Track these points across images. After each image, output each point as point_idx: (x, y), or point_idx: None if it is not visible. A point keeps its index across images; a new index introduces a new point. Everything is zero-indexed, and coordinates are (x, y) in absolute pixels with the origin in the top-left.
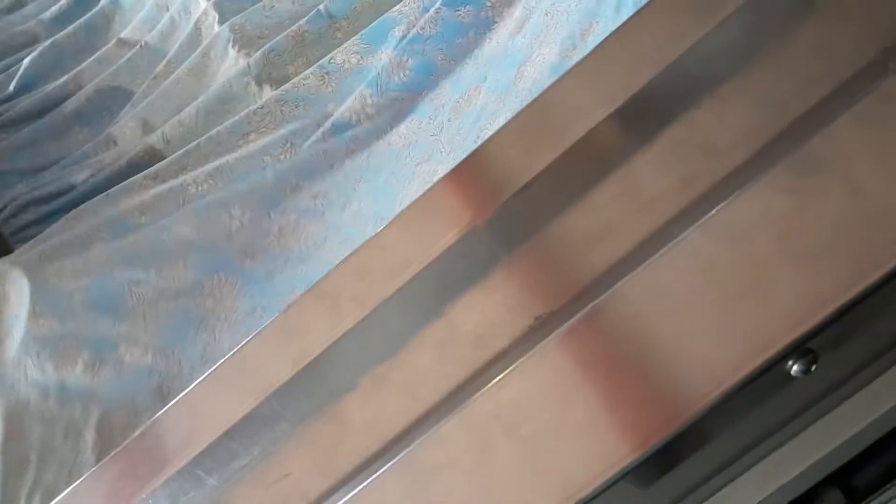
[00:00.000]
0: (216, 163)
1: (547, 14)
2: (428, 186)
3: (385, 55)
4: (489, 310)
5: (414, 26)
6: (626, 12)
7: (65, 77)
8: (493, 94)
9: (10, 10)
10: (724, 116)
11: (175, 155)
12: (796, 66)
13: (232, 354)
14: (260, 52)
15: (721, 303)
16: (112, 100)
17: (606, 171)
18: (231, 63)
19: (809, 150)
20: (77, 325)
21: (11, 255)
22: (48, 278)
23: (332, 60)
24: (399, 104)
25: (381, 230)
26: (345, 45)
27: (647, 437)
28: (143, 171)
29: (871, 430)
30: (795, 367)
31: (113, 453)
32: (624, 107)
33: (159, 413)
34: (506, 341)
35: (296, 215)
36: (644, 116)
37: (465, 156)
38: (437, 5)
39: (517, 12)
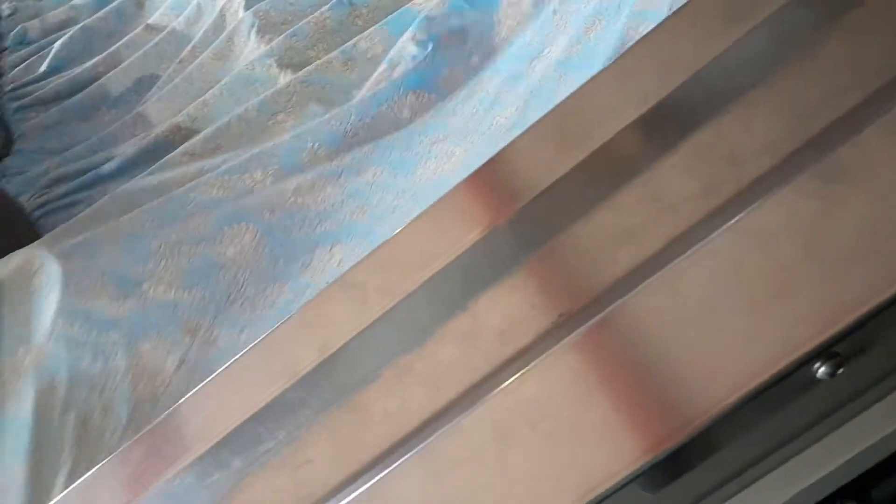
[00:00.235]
0: (256, 149)
1: (556, 13)
2: (445, 164)
3: (406, 46)
4: (513, 306)
5: (434, 18)
6: (626, 11)
7: (94, 60)
8: (507, 83)
9: None
10: (752, 124)
11: (207, 131)
12: (824, 77)
13: (259, 341)
14: (282, 36)
15: (747, 305)
16: (139, 83)
17: (633, 173)
18: (254, 47)
19: (837, 159)
20: (103, 262)
21: (43, 239)
22: (79, 262)
23: (355, 46)
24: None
25: (409, 224)
26: (367, 32)
27: (668, 437)
28: (170, 149)
29: (892, 441)
30: (822, 370)
31: (139, 434)
32: (653, 110)
33: (186, 396)
34: (529, 337)
35: (313, 176)
36: (672, 121)
37: (483, 142)
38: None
39: (530, 9)
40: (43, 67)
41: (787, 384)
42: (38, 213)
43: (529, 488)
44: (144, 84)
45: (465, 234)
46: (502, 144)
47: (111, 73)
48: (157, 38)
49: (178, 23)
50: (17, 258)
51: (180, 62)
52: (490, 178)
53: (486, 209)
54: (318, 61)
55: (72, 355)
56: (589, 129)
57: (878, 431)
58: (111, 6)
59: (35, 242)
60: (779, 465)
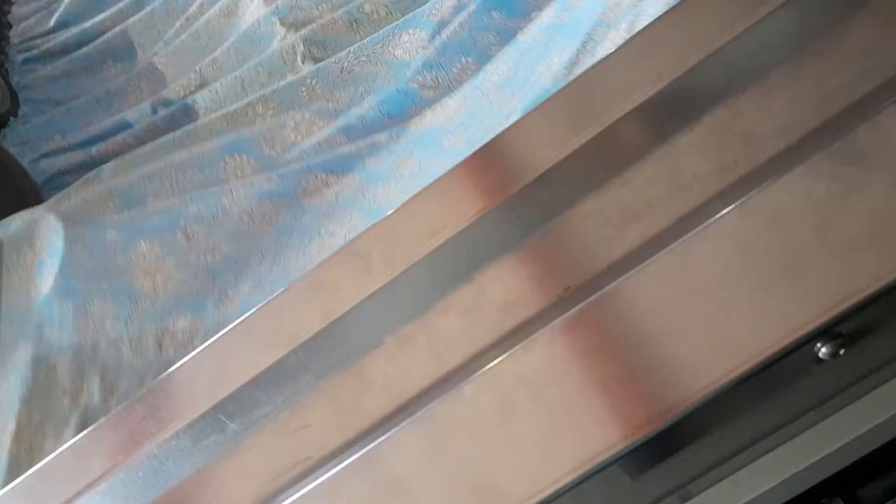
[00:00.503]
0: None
1: (566, 10)
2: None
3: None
4: (519, 279)
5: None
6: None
7: (102, 15)
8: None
9: None
10: (769, 105)
11: (219, 114)
12: (843, 61)
13: (261, 306)
14: None
15: (754, 282)
16: (146, 38)
17: (646, 151)
18: (259, 4)
19: (853, 141)
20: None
21: (46, 203)
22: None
23: (360, 9)
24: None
25: (417, 194)
26: None
27: (669, 409)
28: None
29: (886, 428)
30: (824, 350)
31: (137, 395)
32: (669, 88)
33: (185, 358)
34: (533, 310)
35: (311, 115)
36: (688, 100)
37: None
38: None
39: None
40: (52, 21)
41: (789, 361)
42: (41, 178)
43: (528, 455)
44: (151, 39)
45: (473, 206)
46: (494, 101)
47: (118, 27)
48: None
49: None
50: (19, 219)
51: (187, 18)
52: (501, 151)
53: (496, 182)
54: (322, 20)
55: (74, 316)
56: (602, 105)
57: (871, 420)
58: None
59: (39, 206)
60: (772, 448)
